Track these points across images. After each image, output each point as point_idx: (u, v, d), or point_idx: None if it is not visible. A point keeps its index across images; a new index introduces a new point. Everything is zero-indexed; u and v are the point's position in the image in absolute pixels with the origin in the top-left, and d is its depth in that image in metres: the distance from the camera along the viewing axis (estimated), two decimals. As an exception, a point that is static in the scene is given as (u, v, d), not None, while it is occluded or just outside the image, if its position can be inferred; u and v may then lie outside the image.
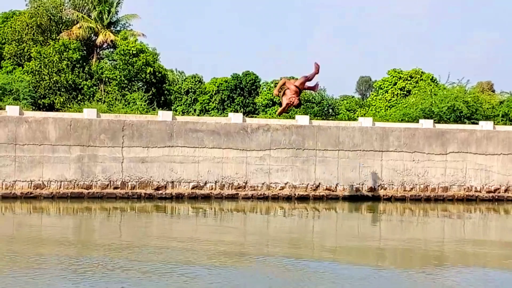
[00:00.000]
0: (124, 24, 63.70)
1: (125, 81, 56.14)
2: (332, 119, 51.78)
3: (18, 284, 14.57)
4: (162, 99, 58.46)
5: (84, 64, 57.65)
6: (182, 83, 65.34)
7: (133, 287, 14.68)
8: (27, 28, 58.99)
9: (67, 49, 55.69)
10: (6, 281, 14.82)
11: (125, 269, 16.26)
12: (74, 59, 55.91)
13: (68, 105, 53.67)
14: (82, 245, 19.82)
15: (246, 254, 18.82)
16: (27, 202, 28.48)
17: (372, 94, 64.88)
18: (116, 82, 56.14)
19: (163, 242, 20.31)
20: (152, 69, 56.73)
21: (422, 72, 58.63)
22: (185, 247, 19.39)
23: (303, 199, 31.12)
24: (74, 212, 27.35)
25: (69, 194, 29.42)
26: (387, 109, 54.96)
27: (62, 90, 55.25)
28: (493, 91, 65.63)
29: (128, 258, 17.62)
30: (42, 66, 55.12)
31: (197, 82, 64.53)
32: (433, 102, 43.22)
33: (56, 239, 20.70)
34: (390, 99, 57.79)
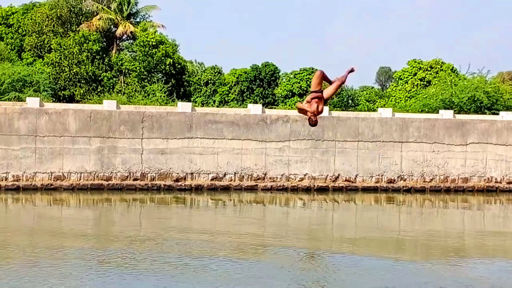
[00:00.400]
0: (144, 15, 63.73)
1: (145, 73, 56.25)
2: (351, 110, 51.65)
3: (43, 275, 14.66)
4: (182, 90, 58.55)
5: (104, 55, 57.79)
6: (202, 74, 65.34)
7: (158, 278, 14.70)
8: (47, 19, 59.18)
9: (87, 41, 55.84)
10: (32, 272, 14.91)
11: (148, 261, 16.28)
12: (94, 50, 56.06)
13: (88, 96, 53.86)
14: (104, 237, 19.91)
15: (267, 246, 18.82)
16: (48, 194, 28.64)
17: (392, 85, 64.64)
18: (136, 73, 56.26)
19: (184, 234, 20.32)
20: (171, 60, 56.79)
21: (442, 63, 58.32)
22: (206, 239, 19.40)
23: (322, 190, 31.08)
24: (94, 203, 27.47)
25: (89, 186, 29.54)
26: (407, 99, 54.73)
27: (82, 81, 55.44)
28: (514, 81, 65.12)
29: (151, 250, 17.62)
30: (62, 58, 55.30)
31: (217, 73, 64.49)
32: (453, 92, 42.99)
33: (77, 231, 20.80)
34: (410, 90, 57.54)
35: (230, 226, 22.72)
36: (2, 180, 29.00)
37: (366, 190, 31.39)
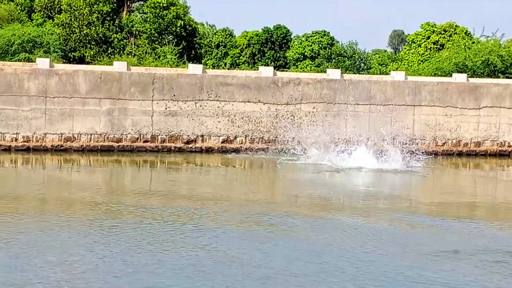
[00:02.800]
0: (155, -24, 63.20)
1: (156, 35, 55.94)
2: (364, 73, 51.27)
3: (46, 241, 14.51)
4: (193, 52, 58.23)
5: (115, 17, 57.45)
6: (213, 36, 64.95)
7: (174, 250, 14.42)
8: (57, -20, 58.78)
9: (97, 2, 55.49)
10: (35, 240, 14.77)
11: (160, 231, 15.73)
12: (105, 12, 55.72)
13: (98, 58, 53.66)
14: (115, 204, 19.61)
15: (280, 214, 18.52)
16: (58, 155, 28.60)
17: (405, 48, 64.14)
18: (146, 35, 55.96)
19: (196, 202, 19.72)
20: (182, 22, 56.43)
21: (456, 26, 57.81)
22: (218, 208, 18.65)
23: (334, 153, 30.75)
24: (104, 165, 27.34)
25: (99, 147, 29.47)
26: (420, 63, 54.31)
27: (93, 43, 55.18)
28: (528, 45, 64.49)
29: (163, 219, 16.77)
30: (73, 19, 55.02)
31: (228, 35, 64.11)
32: (467, 56, 42.61)
33: (87, 195, 20.59)
34: (423, 53, 57.11)
35: (243, 193, 22.41)
36: (13, 141, 28.96)
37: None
